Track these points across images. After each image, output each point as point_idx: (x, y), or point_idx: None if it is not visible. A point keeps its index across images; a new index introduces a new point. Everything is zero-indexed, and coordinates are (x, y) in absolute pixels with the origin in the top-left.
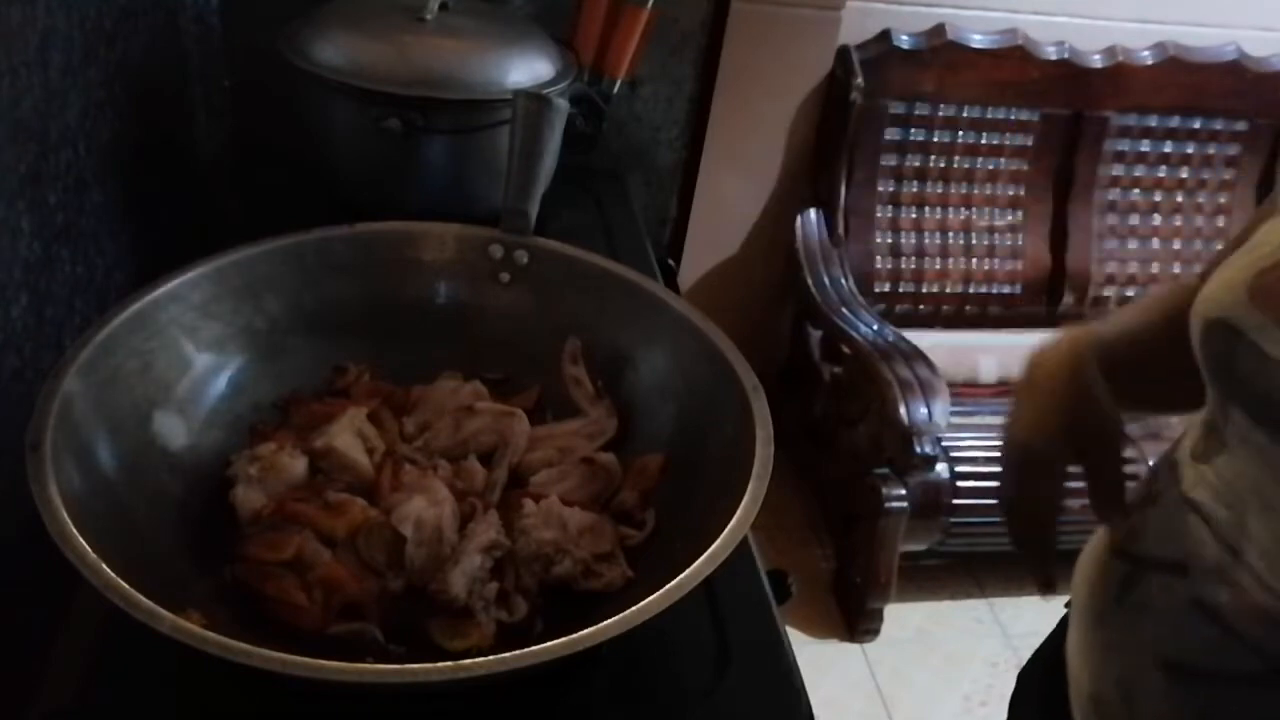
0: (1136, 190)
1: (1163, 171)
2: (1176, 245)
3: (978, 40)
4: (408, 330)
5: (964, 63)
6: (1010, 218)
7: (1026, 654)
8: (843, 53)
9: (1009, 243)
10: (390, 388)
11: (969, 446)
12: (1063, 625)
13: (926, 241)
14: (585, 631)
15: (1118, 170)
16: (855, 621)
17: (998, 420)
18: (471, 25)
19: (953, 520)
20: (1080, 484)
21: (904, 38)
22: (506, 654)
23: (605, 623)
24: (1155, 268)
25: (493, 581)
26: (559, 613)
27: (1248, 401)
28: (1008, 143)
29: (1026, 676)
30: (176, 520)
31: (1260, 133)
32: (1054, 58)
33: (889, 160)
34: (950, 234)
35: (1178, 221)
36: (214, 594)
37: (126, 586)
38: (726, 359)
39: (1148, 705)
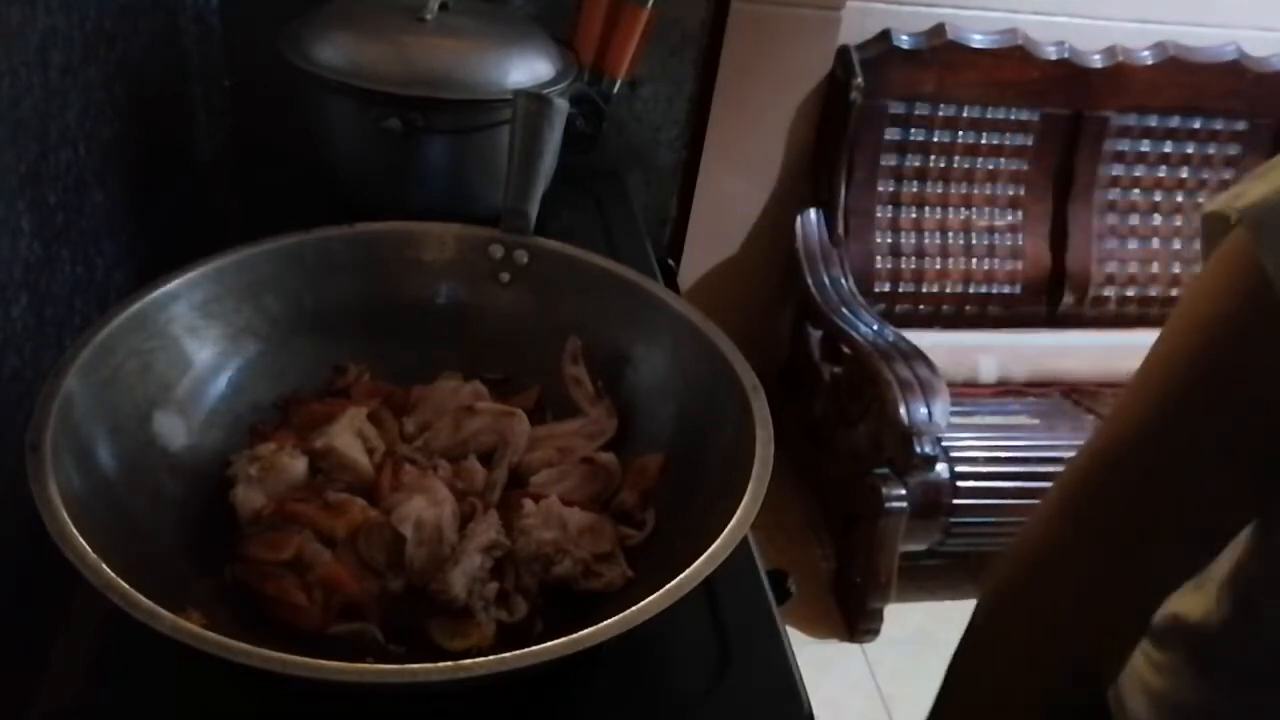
0: (1136, 190)
1: (1163, 171)
2: (1176, 245)
3: (978, 40)
4: (408, 330)
5: (964, 63)
6: (1010, 218)
7: None
8: (843, 53)
9: (1009, 243)
10: (390, 388)
11: (969, 446)
12: None
13: (926, 241)
14: (585, 631)
15: (1118, 170)
16: (855, 621)
17: (998, 420)
18: (471, 25)
19: (953, 520)
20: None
21: (904, 38)
22: (506, 654)
23: (605, 623)
24: (1155, 268)
25: (493, 581)
26: (559, 613)
27: None
28: (1008, 143)
29: None
30: (176, 520)
31: (1260, 133)
32: (1054, 58)
33: (889, 160)
34: (950, 234)
35: (1178, 221)
36: (214, 594)
37: (126, 586)
38: (726, 359)
39: None
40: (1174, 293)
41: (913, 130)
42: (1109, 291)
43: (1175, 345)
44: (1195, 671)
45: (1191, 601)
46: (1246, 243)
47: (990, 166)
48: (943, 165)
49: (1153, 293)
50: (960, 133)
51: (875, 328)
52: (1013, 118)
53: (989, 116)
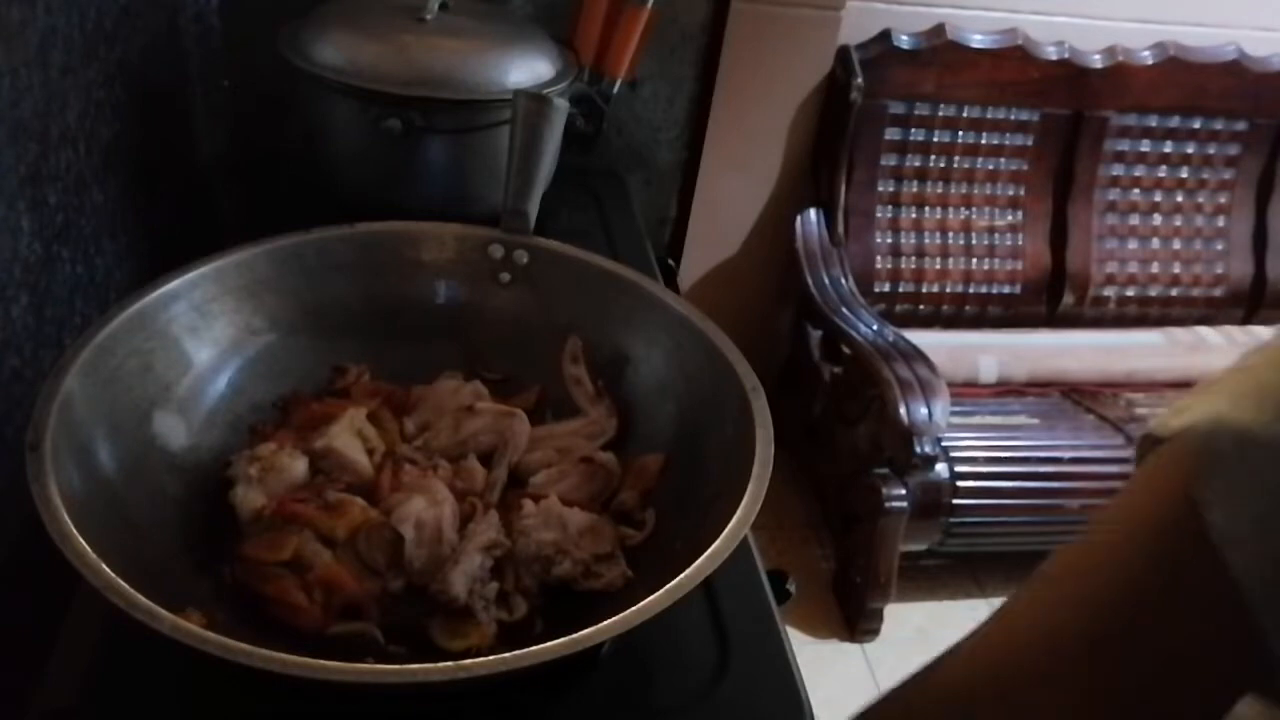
0: (1136, 190)
1: (1163, 171)
2: (1176, 245)
3: (978, 40)
4: (408, 330)
5: (964, 63)
6: (1010, 218)
7: None
8: (843, 53)
9: (1009, 243)
10: (390, 388)
11: (969, 446)
12: None
13: (926, 241)
14: (585, 631)
15: (1118, 170)
16: (855, 621)
17: (998, 420)
18: (471, 25)
19: (953, 520)
20: (1080, 483)
21: (904, 38)
22: (506, 654)
23: (605, 623)
24: (1155, 268)
25: (493, 581)
26: (559, 613)
27: None
28: (1008, 143)
29: None
30: (176, 520)
31: (1260, 133)
32: (1054, 58)
33: (889, 160)
34: (950, 234)
35: (1178, 221)
36: (214, 594)
37: (126, 586)
38: (726, 359)
39: None
40: (1174, 293)
41: (913, 130)
42: (1109, 291)
43: (1096, 569)
44: None
45: None
46: (1178, 464)
47: (990, 166)
48: (943, 165)
49: (1153, 293)
50: (960, 133)
51: (875, 328)
52: (1013, 118)
53: (989, 116)
